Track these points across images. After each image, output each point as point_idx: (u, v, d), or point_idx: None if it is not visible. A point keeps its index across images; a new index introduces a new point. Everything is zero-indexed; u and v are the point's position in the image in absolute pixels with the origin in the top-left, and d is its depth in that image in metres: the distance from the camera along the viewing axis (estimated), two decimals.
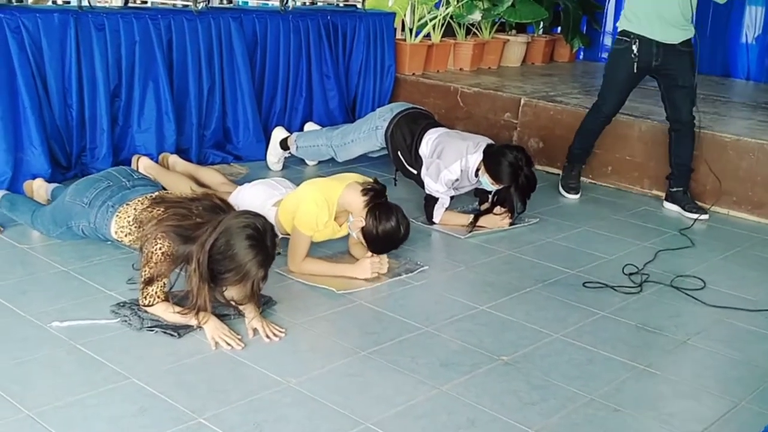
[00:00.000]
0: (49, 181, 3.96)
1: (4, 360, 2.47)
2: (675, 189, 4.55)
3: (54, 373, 2.43)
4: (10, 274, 3.13)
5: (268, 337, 2.72)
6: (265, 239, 2.62)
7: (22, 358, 2.49)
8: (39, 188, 3.64)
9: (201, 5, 4.79)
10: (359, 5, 5.86)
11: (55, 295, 2.95)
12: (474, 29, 6.68)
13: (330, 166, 4.82)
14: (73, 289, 3.02)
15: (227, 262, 2.58)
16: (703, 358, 2.85)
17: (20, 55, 3.98)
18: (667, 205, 4.61)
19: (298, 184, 3.54)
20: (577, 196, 4.74)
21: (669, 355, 2.86)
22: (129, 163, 4.16)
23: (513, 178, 3.88)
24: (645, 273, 3.57)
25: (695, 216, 4.40)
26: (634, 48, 4.32)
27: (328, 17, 5.44)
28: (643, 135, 4.88)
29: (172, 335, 2.69)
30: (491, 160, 3.89)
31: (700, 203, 4.54)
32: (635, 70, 4.37)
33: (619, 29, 4.47)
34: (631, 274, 3.56)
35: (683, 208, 4.50)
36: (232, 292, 2.71)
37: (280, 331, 2.78)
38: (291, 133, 4.88)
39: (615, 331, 3.00)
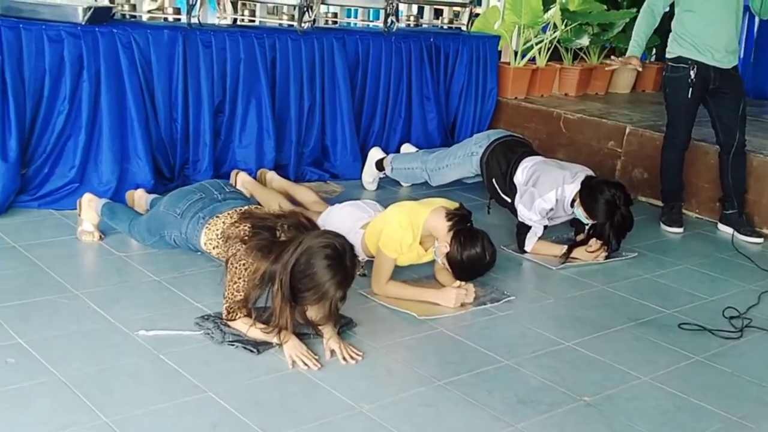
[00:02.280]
0: (151, 191, 4.10)
1: (90, 366, 2.55)
2: (730, 211, 4.52)
3: (135, 381, 2.49)
4: (106, 281, 3.24)
5: (344, 359, 2.71)
6: (344, 259, 2.62)
7: (106, 365, 2.56)
8: (140, 198, 3.77)
9: (306, 25, 4.87)
10: (464, 28, 5.83)
11: (145, 303, 3.04)
12: (582, 54, 6.55)
13: (424, 189, 4.80)
14: (162, 299, 3.10)
15: (307, 281, 2.59)
16: None
17: (130, 69, 4.15)
18: (721, 227, 4.58)
19: (390, 205, 3.53)
20: (681, 229, 4.55)
21: (765, 407, 2.69)
22: (228, 177, 4.26)
23: (608, 216, 3.77)
24: (747, 317, 3.38)
25: (750, 239, 4.37)
26: (692, 74, 4.31)
27: (431, 39, 5.44)
28: (753, 170, 4.64)
29: (251, 351, 2.71)
30: (588, 195, 3.78)
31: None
32: (695, 95, 4.37)
33: (671, 55, 4.44)
34: (731, 317, 3.37)
35: (737, 230, 4.45)
36: (311, 312, 2.71)
37: (358, 354, 2.76)
38: (387, 154, 4.89)
39: (708, 378, 2.85)
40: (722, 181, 4.53)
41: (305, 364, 2.65)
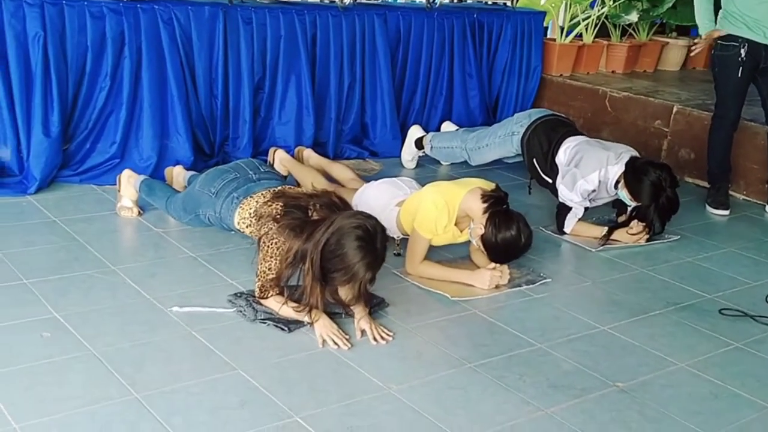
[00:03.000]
0: (190, 168, 4.12)
1: (123, 341, 2.58)
2: None
3: (167, 358, 2.51)
4: (143, 256, 3.28)
5: (375, 339, 2.71)
6: (375, 241, 2.60)
7: (139, 341, 2.60)
8: (178, 175, 3.80)
9: (348, 1, 4.83)
10: (509, 3, 5.73)
11: (180, 279, 3.07)
12: (630, 30, 6.39)
13: (464, 168, 4.75)
14: (197, 276, 3.12)
15: (336, 261, 2.58)
16: None
17: (171, 45, 4.16)
18: None
19: (426, 185, 3.50)
20: (727, 212, 4.43)
21: None
22: (267, 154, 4.27)
23: (653, 198, 3.68)
24: None
25: None
26: (743, 52, 4.20)
27: (475, 15, 5.36)
28: None
29: (282, 329, 2.73)
30: (633, 176, 3.69)
31: None
32: (745, 73, 4.25)
33: (721, 33, 4.30)
34: None
35: None
36: (341, 292, 2.71)
37: (388, 335, 2.75)
38: (427, 133, 4.84)
39: (748, 366, 2.78)
40: None
41: (335, 344, 2.65)
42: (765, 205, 4.53)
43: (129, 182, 3.63)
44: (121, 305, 2.83)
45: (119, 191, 3.68)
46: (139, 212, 3.65)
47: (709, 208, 4.48)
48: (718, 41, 4.35)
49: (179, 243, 3.41)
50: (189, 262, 3.24)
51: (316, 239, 2.62)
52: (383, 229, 2.67)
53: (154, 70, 4.12)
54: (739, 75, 4.26)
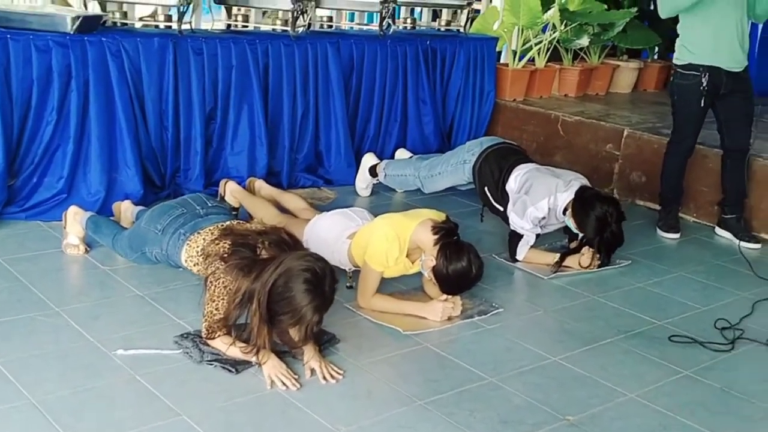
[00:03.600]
0: (140, 201, 4.07)
1: (63, 388, 2.51)
2: (729, 216, 4.46)
3: (108, 405, 2.45)
4: (88, 296, 3.22)
5: (325, 378, 2.68)
6: (323, 284, 2.58)
7: (80, 387, 2.53)
8: (126, 210, 3.74)
9: (300, 30, 4.83)
10: (461, 29, 5.77)
11: (125, 320, 3.01)
12: (582, 54, 6.47)
13: (418, 195, 4.75)
14: (144, 316, 3.07)
15: (284, 304, 2.55)
16: None
17: (119, 78, 4.12)
18: (720, 231, 4.53)
19: (382, 213, 3.48)
20: (677, 235, 4.48)
21: (754, 425, 2.63)
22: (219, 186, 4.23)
23: (598, 232, 3.73)
24: (739, 328, 3.32)
25: (748, 245, 4.30)
26: (704, 80, 4.18)
27: (428, 42, 5.39)
28: (752, 175, 4.55)
29: (229, 371, 2.68)
30: (580, 208, 3.72)
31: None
32: (706, 102, 4.25)
33: (681, 62, 4.29)
34: (723, 328, 3.31)
35: (735, 236, 4.39)
36: (288, 333, 2.67)
37: (339, 373, 2.72)
38: (381, 160, 4.84)
39: (697, 394, 2.79)
40: (723, 185, 4.46)
41: (284, 384, 2.62)
42: (714, 227, 4.58)
43: (75, 219, 3.56)
44: (63, 349, 2.76)
45: (65, 228, 3.61)
46: (85, 249, 3.58)
47: (660, 232, 4.52)
48: (679, 69, 4.33)
49: (126, 281, 3.35)
50: (135, 302, 3.18)
51: (263, 280, 2.58)
52: (332, 270, 2.65)
53: (102, 103, 4.07)
54: (701, 104, 4.24)
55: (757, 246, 4.33)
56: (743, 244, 4.32)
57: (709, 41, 4.18)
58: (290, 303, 2.54)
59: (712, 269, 4.04)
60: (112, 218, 3.77)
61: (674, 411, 2.66)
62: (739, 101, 4.30)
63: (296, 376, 2.67)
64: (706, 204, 4.74)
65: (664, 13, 4.28)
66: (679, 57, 4.31)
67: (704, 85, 4.20)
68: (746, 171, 4.39)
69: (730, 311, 3.49)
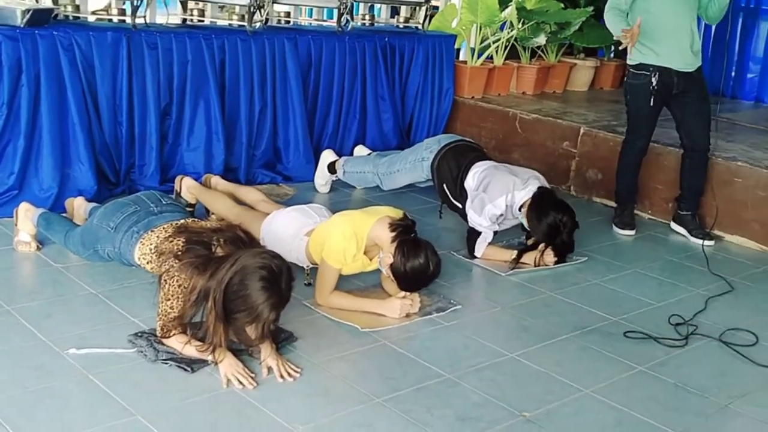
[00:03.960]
0: (95, 197, 4.01)
1: (15, 389, 2.46)
2: (684, 212, 4.52)
3: (61, 405, 2.40)
4: (40, 294, 3.15)
5: (282, 376, 2.66)
6: (279, 282, 2.56)
7: (32, 387, 2.48)
8: (79, 207, 3.67)
9: (257, 25, 4.78)
10: (420, 27, 5.77)
11: (78, 319, 2.95)
12: (540, 52, 6.52)
13: (377, 192, 4.74)
14: (97, 314, 3.01)
15: (239, 302, 2.52)
16: (743, 427, 2.65)
17: (71, 72, 4.04)
18: (674, 226, 4.60)
19: (342, 210, 3.46)
20: (633, 232, 4.54)
21: (706, 420, 2.67)
22: (174, 182, 4.17)
23: (548, 239, 3.79)
24: (693, 324, 3.37)
25: (701, 242, 4.36)
26: (654, 80, 4.22)
27: (386, 39, 5.38)
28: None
29: (185, 369, 2.65)
30: (535, 211, 3.77)
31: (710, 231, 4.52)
32: (657, 102, 4.29)
33: (632, 62, 4.33)
34: (677, 324, 3.36)
35: (690, 232, 4.47)
36: (244, 332, 2.64)
37: (296, 371, 2.70)
38: (340, 157, 4.82)
39: (651, 390, 2.83)
40: (682, 182, 4.51)
41: (240, 383, 2.59)
42: (669, 223, 4.65)
43: (26, 216, 3.49)
44: (14, 349, 2.70)
45: (16, 225, 3.53)
46: (37, 247, 3.51)
47: (615, 229, 4.57)
48: (631, 69, 4.36)
49: (79, 279, 3.29)
50: (89, 300, 3.13)
51: (219, 277, 2.55)
52: (289, 268, 2.62)
53: (53, 98, 3.99)
54: (651, 104, 4.28)
55: (711, 243, 4.39)
56: (694, 239, 4.40)
57: (659, 42, 4.21)
58: (246, 301, 2.52)
59: (667, 265, 4.10)
60: (64, 215, 3.69)
61: (629, 406, 2.69)
62: (694, 101, 4.34)
63: (253, 375, 2.64)
64: (661, 201, 4.81)
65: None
66: (632, 57, 4.35)
67: (654, 84, 4.24)
68: (706, 170, 4.45)
69: (683, 307, 3.54)
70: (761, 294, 3.81)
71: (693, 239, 4.42)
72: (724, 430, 2.64)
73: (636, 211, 4.76)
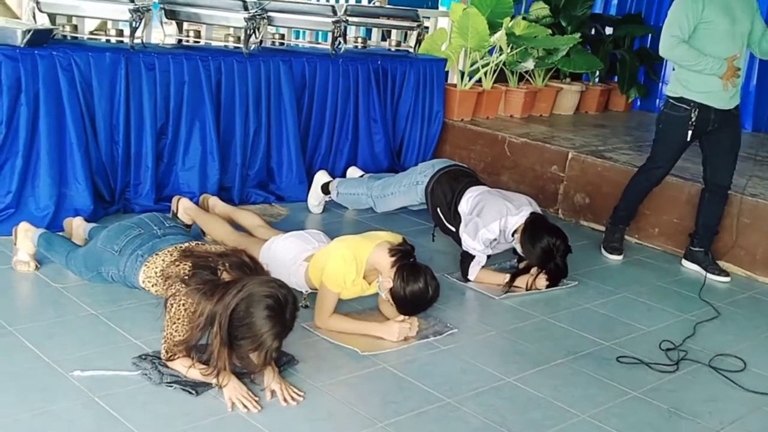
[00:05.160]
0: (91, 216, 4.02)
1: (22, 410, 2.48)
2: (697, 249, 4.51)
3: (69, 428, 2.42)
4: (41, 315, 3.16)
5: (285, 400, 2.69)
6: (285, 311, 2.60)
7: (39, 410, 2.50)
8: (78, 227, 3.69)
9: (252, 47, 4.83)
10: (411, 50, 5.85)
11: (80, 340, 2.97)
12: (527, 76, 6.62)
13: (370, 213, 4.80)
14: (99, 335, 3.03)
15: (244, 329, 2.56)
16: None
17: (70, 92, 4.06)
18: (687, 264, 4.58)
19: (335, 231, 3.51)
20: (620, 257, 4.62)
21: None
22: (170, 201, 4.19)
23: (542, 263, 3.86)
24: (683, 350, 3.45)
25: (717, 278, 4.37)
26: (693, 116, 4.20)
27: (379, 62, 5.45)
28: (692, 198, 4.72)
29: (190, 393, 2.67)
30: (529, 236, 3.84)
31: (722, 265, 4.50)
32: (692, 137, 4.27)
33: (673, 94, 4.30)
34: (668, 349, 3.44)
35: (705, 269, 4.43)
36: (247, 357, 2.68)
37: (298, 395, 2.74)
38: (333, 178, 4.88)
39: (645, 415, 2.89)
40: (698, 217, 4.49)
41: (245, 407, 2.62)
42: (681, 259, 4.60)
43: (26, 236, 3.50)
44: (18, 371, 2.71)
45: (15, 244, 3.54)
46: (36, 266, 3.52)
47: (604, 253, 4.65)
48: (670, 101, 4.30)
49: (79, 299, 3.30)
50: (90, 321, 3.14)
51: (225, 302, 2.58)
52: (294, 298, 2.66)
53: (52, 117, 4.01)
54: (687, 138, 4.24)
55: (727, 279, 4.38)
56: (712, 276, 4.37)
57: (704, 82, 4.16)
58: (251, 329, 2.56)
59: (655, 290, 4.18)
60: (62, 233, 3.70)
61: None
62: (726, 138, 4.30)
63: (257, 398, 2.68)
64: (648, 227, 4.90)
65: (664, 54, 4.25)
66: (672, 89, 4.29)
67: (693, 120, 4.20)
68: (723, 207, 4.45)
69: (673, 332, 3.62)
70: (746, 320, 3.90)
71: (710, 276, 4.36)
72: None
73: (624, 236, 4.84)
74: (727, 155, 4.34)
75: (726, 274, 4.41)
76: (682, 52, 4.13)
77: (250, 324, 2.55)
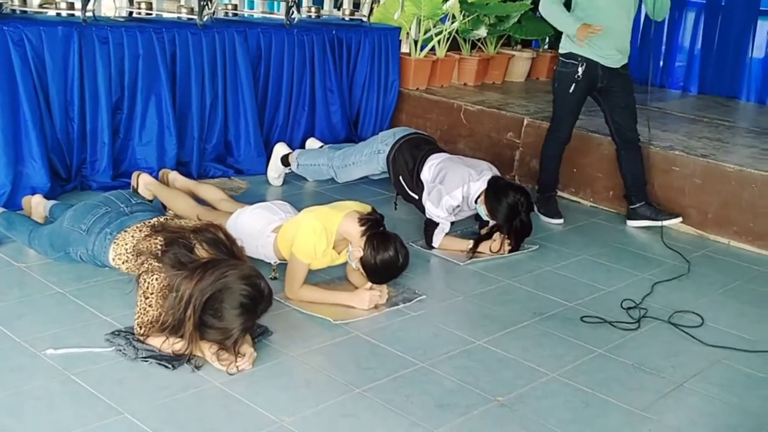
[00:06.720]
0: (48, 194, 3.95)
1: None
2: (638, 204, 4.65)
3: (47, 406, 2.41)
4: (6, 295, 3.12)
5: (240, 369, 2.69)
6: (257, 308, 2.63)
7: (16, 389, 2.48)
8: (37, 205, 3.62)
9: (206, 18, 4.77)
10: (365, 19, 5.84)
11: (50, 319, 2.94)
12: (479, 44, 6.66)
13: (330, 184, 4.81)
14: (68, 314, 3.00)
15: (215, 319, 2.58)
16: (699, 404, 2.83)
17: (23, 67, 3.97)
18: (633, 223, 4.69)
19: (296, 202, 3.51)
20: (561, 220, 4.68)
21: (665, 399, 2.84)
22: (129, 176, 4.15)
23: (508, 220, 3.91)
24: (643, 308, 3.56)
25: (672, 221, 4.57)
26: (580, 70, 4.35)
27: (333, 31, 5.43)
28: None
29: (166, 367, 2.67)
30: (492, 196, 3.89)
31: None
32: (578, 92, 4.42)
33: (563, 51, 4.47)
34: (629, 308, 3.54)
35: (656, 218, 4.59)
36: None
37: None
38: (292, 150, 4.86)
39: (612, 372, 2.99)
40: (623, 177, 4.65)
41: (237, 368, 2.64)
42: (625, 220, 4.73)
43: None
44: None
45: None
46: None
47: (543, 218, 4.67)
48: (561, 58, 4.49)
49: (44, 278, 3.26)
50: (58, 299, 3.11)
51: (202, 287, 2.57)
52: (270, 293, 2.68)
53: (5, 94, 3.92)
54: (571, 92, 4.40)
55: (679, 219, 4.58)
56: (667, 221, 4.54)
57: (597, 38, 4.30)
58: (221, 321, 2.59)
59: (612, 252, 4.29)
60: (22, 212, 3.63)
61: (593, 388, 2.84)
62: (618, 93, 4.46)
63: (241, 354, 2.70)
64: (602, 189, 5.01)
65: (541, 9, 4.43)
66: (563, 46, 4.48)
67: (579, 74, 4.36)
68: (641, 160, 4.63)
69: (632, 291, 3.73)
70: (701, 277, 4.03)
71: (665, 222, 4.53)
72: (682, 407, 2.81)
73: (578, 199, 4.95)
74: (623, 110, 4.50)
75: (677, 215, 4.58)
76: (548, 8, 4.34)
77: (221, 317, 2.58)
